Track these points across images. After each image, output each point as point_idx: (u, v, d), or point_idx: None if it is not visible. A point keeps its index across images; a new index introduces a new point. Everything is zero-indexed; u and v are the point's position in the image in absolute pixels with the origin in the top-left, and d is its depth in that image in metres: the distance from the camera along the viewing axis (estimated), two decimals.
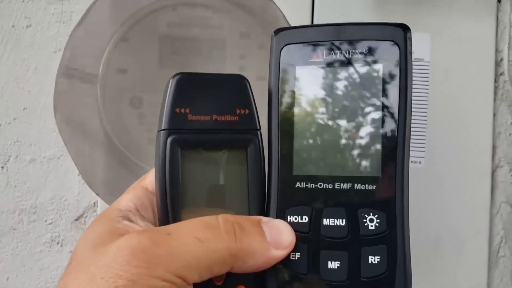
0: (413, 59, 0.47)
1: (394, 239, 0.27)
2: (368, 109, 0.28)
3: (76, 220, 0.48)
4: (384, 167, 0.27)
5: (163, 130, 0.27)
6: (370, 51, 0.28)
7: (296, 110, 0.28)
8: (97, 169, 0.39)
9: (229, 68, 0.38)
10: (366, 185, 0.27)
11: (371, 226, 0.27)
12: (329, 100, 0.28)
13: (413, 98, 0.46)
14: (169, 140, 0.26)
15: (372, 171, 0.27)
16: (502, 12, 0.47)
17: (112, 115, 0.39)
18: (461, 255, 0.46)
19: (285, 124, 0.28)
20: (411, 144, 0.46)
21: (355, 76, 0.28)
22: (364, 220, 0.27)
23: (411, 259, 0.27)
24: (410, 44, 0.28)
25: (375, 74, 0.28)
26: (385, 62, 0.28)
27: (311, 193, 0.27)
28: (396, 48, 0.28)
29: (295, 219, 0.27)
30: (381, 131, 0.27)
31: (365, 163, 0.27)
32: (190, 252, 0.24)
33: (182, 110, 0.27)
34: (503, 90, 0.47)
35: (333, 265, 0.27)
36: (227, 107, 0.27)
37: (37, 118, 0.48)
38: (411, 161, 0.47)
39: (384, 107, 0.27)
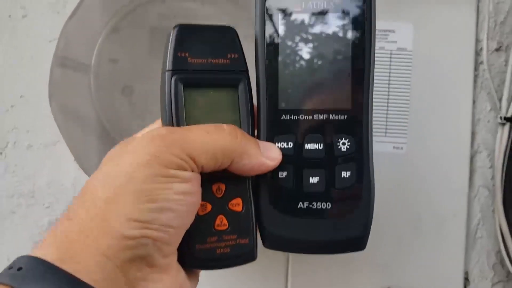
0: (396, 49, 0.49)
1: (361, 157, 0.33)
2: (339, 52, 0.33)
3: None
4: (353, 100, 0.33)
5: (167, 71, 0.31)
6: (341, 1, 0.33)
7: (280, 53, 0.33)
8: (91, 155, 0.41)
9: None
10: (339, 115, 0.33)
11: (343, 148, 0.33)
12: (308, 44, 0.33)
13: (396, 86, 0.48)
14: (173, 78, 0.31)
15: (343, 104, 0.33)
16: (482, 3, 0.48)
17: (105, 103, 0.40)
18: (440, 236, 0.48)
19: (271, 66, 0.33)
20: (393, 130, 0.48)
21: (330, 22, 0.33)
22: (338, 143, 0.33)
23: (374, 181, 0.34)
24: None
25: (345, 21, 0.33)
26: (354, 11, 0.33)
27: (294, 123, 0.33)
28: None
29: (282, 145, 0.33)
30: (351, 70, 0.33)
31: (338, 97, 0.33)
32: (199, 139, 0.29)
33: (183, 54, 0.32)
34: (483, 79, 0.49)
35: (313, 180, 0.33)
36: (220, 52, 0.32)
37: (34, 105, 0.50)
38: (394, 147, 0.49)
39: (353, 49, 0.33)
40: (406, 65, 0.48)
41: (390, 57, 0.48)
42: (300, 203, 0.33)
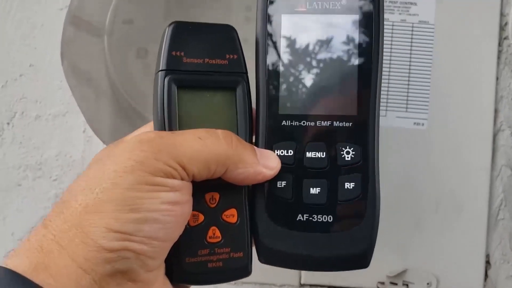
0: (418, 22, 0.47)
1: (366, 168, 0.30)
2: (346, 55, 0.31)
3: None
4: (359, 105, 0.30)
5: (160, 70, 0.29)
6: (348, 2, 0.31)
7: (282, 55, 0.31)
8: (103, 117, 0.39)
9: (234, 19, 0.38)
10: (344, 123, 0.31)
11: (348, 157, 0.30)
12: (312, 46, 0.31)
13: (417, 60, 0.47)
14: (166, 79, 0.29)
15: (349, 110, 0.31)
16: None
17: (118, 65, 0.39)
18: (460, 217, 0.47)
19: (272, 68, 0.31)
20: (414, 106, 0.47)
21: (335, 24, 0.31)
22: (342, 152, 0.31)
23: (380, 188, 0.31)
24: None
25: (352, 23, 0.31)
26: (361, 11, 0.31)
27: (295, 130, 0.31)
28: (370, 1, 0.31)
29: (282, 152, 0.31)
30: (357, 75, 0.30)
31: (343, 103, 0.31)
32: (191, 146, 0.27)
33: (178, 53, 0.29)
34: (507, 54, 0.47)
35: (314, 191, 0.30)
36: (217, 52, 0.30)
37: (43, 75, 0.48)
38: (415, 123, 0.47)
39: (360, 54, 0.30)
40: (428, 39, 0.47)
41: (412, 31, 0.47)
42: (300, 215, 0.31)
